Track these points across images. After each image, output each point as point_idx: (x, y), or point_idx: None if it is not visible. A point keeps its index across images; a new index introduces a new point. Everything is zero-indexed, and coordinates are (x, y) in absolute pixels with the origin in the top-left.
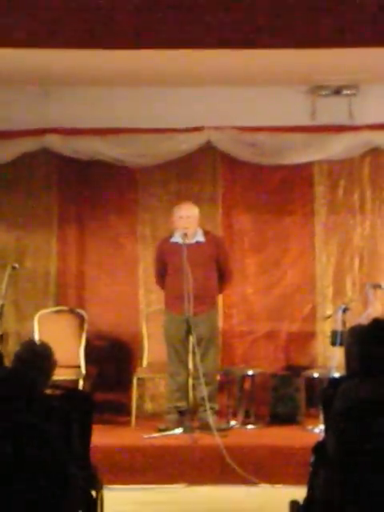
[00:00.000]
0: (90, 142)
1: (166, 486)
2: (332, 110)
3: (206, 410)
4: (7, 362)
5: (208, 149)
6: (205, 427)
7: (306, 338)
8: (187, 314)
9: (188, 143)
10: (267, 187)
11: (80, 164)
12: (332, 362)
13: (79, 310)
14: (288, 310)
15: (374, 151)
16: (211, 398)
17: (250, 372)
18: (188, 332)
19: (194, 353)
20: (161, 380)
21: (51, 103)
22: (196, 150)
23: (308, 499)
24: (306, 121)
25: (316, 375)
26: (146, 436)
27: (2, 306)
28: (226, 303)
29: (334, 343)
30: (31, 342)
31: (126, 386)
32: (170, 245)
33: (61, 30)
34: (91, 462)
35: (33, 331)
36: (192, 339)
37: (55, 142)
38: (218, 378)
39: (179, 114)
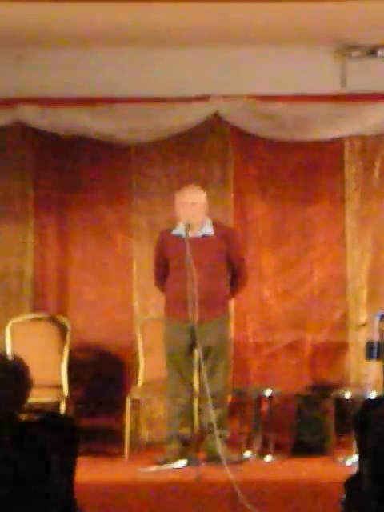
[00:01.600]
0: (72, 114)
1: None
2: (366, 75)
3: (214, 439)
4: None
5: (216, 122)
6: (213, 459)
7: (336, 350)
8: (192, 322)
9: (192, 115)
10: (288, 168)
11: (60, 141)
12: (367, 379)
13: (60, 318)
14: (313, 316)
15: None
16: (221, 424)
17: (268, 392)
18: (193, 344)
19: (199, 369)
20: (160, 402)
21: (25, 68)
22: (202, 124)
23: None
24: (334, 88)
25: (348, 395)
26: (141, 470)
27: None
28: (238, 309)
29: (369, 357)
30: (2, 357)
31: (117, 410)
32: (171, 238)
33: None
34: (75, 503)
35: (4, 343)
36: (197, 353)
37: (30, 115)
38: (229, 399)
39: (181, 80)
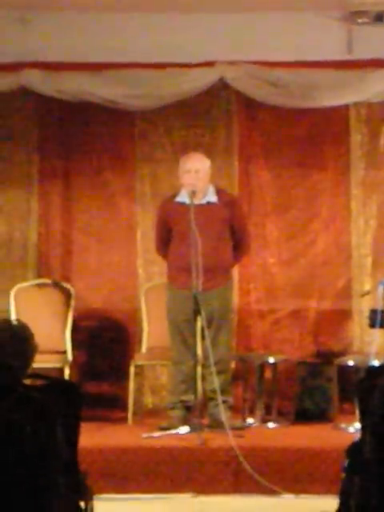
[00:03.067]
0: (77, 79)
1: (168, 495)
2: (372, 41)
3: (217, 405)
4: None
5: (221, 88)
6: (216, 425)
7: (340, 318)
8: (195, 290)
9: (197, 81)
10: (293, 135)
11: (65, 106)
12: (370, 347)
13: (65, 284)
14: (317, 284)
15: None
16: (224, 391)
17: (271, 359)
18: (196, 311)
19: (203, 336)
20: (163, 369)
21: (30, 32)
22: (206, 90)
23: (340, 511)
24: (340, 54)
25: (351, 363)
26: (145, 435)
27: None
28: (242, 276)
29: (373, 325)
30: (6, 323)
31: (121, 376)
32: (174, 205)
33: None
34: (79, 467)
35: (8, 309)
36: (201, 320)
37: (35, 79)
38: (233, 366)
39: (186, 45)
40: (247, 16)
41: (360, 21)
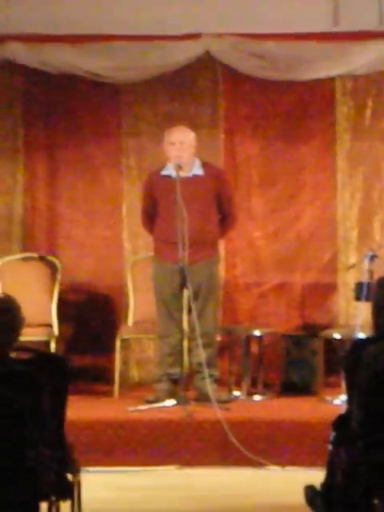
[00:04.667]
0: (61, 51)
1: (155, 468)
2: (358, 13)
3: (203, 378)
4: None
5: (206, 61)
6: (202, 398)
7: (325, 291)
8: (181, 263)
9: (182, 54)
10: (278, 108)
11: (49, 79)
12: (356, 320)
13: (50, 258)
14: (303, 257)
15: None
16: (210, 364)
17: (257, 332)
18: (182, 284)
19: (189, 309)
20: (149, 342)
21: (12, 3)
22: (192, 63)
23: (326, 484)
24: (325, 26)
25: (337, 336)
26: (131, 408)
27: None
28: (228, 249)
29: (358, 298)
30: None
31: (107, 349)
32: (160, 178)
33: None
34: (66, 440)
35: None
36: (187, 293)
37: (18, 52)
38: (219, 339)
39: (171, 17)
40: None
41: None
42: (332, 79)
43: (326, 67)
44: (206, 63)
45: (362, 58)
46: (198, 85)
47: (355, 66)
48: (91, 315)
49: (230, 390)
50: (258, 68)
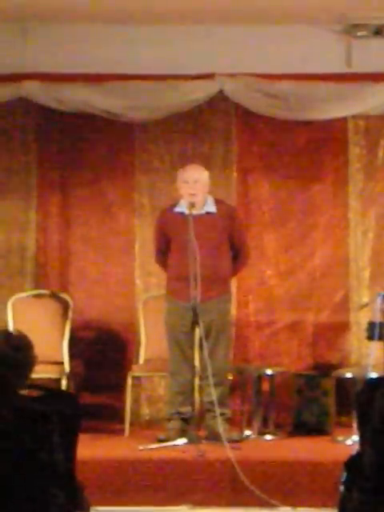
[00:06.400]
0: (76, 90)
1: (166, 507)
2: (371, 55)
3: (215, 417)
4: None
5: (220, 100)
6: (213, 437)
7: (337, 330)
8: (194, 301)
9: (196, 93)
10: (291, 148)
11: (64, 117)
12: (368, 359)
13: (62, 295)
14: (315, 296)
15: None
16: (222, 403)
17: (269, 371)
18: (194, 322)
19: (201, 347)
20: (161, 380)
21: (30, 43)
22: (206, 102)
23: None
24: (339, 67)
25: (349, 375)
26: (142, 447)
27: None
28: (240, 288)
29: (371, 337)
30: (5, 333)
31: (118, 387)
32: (173, 216)
33: None
34: (76, 479)
35: (6, 320)
36: (199, 331)
37: (35, 90)
38: (230, 378)
39: (186, 57)
40: (247, 28)
41: (359, 34)
42: (345, 119)
43: (339, 107)
44: (220, 102)
45: (375, 99)
46: (212, 124)
47: (368, 106)
48: (102, 353)
49: (242, 430)
50: (271, 107)
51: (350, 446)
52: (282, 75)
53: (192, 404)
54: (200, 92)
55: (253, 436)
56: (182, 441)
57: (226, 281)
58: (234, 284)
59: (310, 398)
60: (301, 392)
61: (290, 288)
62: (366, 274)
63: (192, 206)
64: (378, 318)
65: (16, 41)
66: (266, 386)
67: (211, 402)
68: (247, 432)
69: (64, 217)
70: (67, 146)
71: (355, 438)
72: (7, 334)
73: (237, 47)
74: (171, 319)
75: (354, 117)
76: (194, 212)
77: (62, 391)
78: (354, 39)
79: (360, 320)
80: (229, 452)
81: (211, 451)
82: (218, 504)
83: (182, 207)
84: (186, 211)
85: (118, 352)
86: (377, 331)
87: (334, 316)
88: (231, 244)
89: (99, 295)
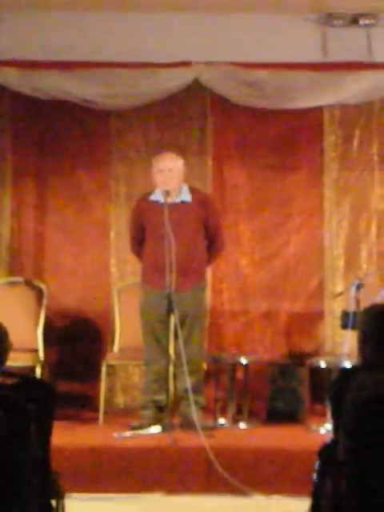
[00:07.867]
0: (52, 77)
1: (139, 494)
2: (347, 44)
3: (189, 405)
4: None
5: (196, 89)
6: (187, 425)
7: (312, 319)
8: (169, 290)
9: (172, 81)
10: (267, 137)
11: (40, 105)
12: (342, 348)
13: (37, 283)
14: (290, 285)
15: None
16: (196, 391)
17: (243, 360)
18: (169, 311)
19: (175, 336)
20: (135, 368)
21: (3, 30)
22: (182, 90)
23: None
24: (315, 56)
25: (323, 364)
26: (116, 435)
27: None
28: (215, 277)
29: (345, 326)
30: None
31: (93, 375)
32: (149, 204)
33: None
34: (51, 466)
35: None
36: (174, 319)
37: (9, 78)
38: (205, 366)
39: (162, 45)
40: (223, 17)
41: (335, 23)
42: (320, 109)
43: (315, 97)
44: (196, 91)
45: (351, 88)
46: (188, 112)
47: (344, 96)
48: (77, 341)
49: (216, 418)
50: (248, 96)
51: (323, 434)
52: (258, 64)
53: (166, 392)
54: (176, 80)
55: (227, 424)
56: (156, 429)
57: (201, 269)
58: (208, 272)
59: (284, 386)
60: (275, 381)
61: (264, 277)
62: (341, 263)
63: (167, 194)
64: (352, 307)
65: None
66: (240, 375)
67: (185, 390)
68: (221, 420)
69: (39, 205)
70: (42, 133)
71: (328, 426)
72: None
73: (213, 36)
74: (146, 307)
75: (329, 106)
76: (169, 200)
77: (37, 379)
78: (330, 28)
79: (334, 309)
80: (203, 440)
81: (185, 439)
82: (192, 491)
83: (158, 196)
84: (161, 200)
85: (92, 340)
86: (351, 320)
87: (308, 305)
88: (206, 232)
89: (74, 283)
